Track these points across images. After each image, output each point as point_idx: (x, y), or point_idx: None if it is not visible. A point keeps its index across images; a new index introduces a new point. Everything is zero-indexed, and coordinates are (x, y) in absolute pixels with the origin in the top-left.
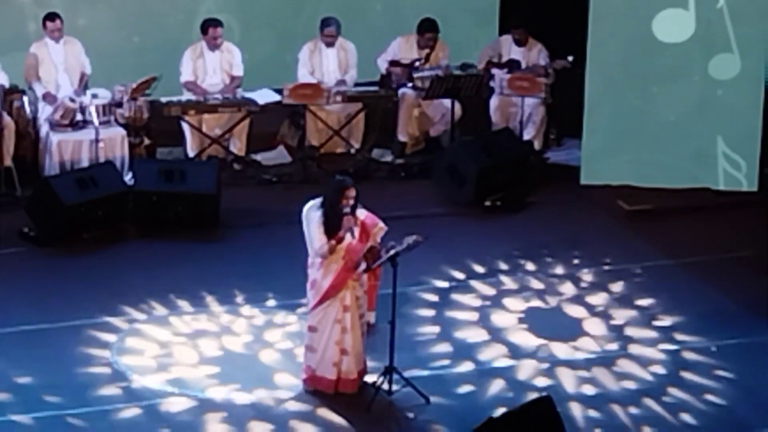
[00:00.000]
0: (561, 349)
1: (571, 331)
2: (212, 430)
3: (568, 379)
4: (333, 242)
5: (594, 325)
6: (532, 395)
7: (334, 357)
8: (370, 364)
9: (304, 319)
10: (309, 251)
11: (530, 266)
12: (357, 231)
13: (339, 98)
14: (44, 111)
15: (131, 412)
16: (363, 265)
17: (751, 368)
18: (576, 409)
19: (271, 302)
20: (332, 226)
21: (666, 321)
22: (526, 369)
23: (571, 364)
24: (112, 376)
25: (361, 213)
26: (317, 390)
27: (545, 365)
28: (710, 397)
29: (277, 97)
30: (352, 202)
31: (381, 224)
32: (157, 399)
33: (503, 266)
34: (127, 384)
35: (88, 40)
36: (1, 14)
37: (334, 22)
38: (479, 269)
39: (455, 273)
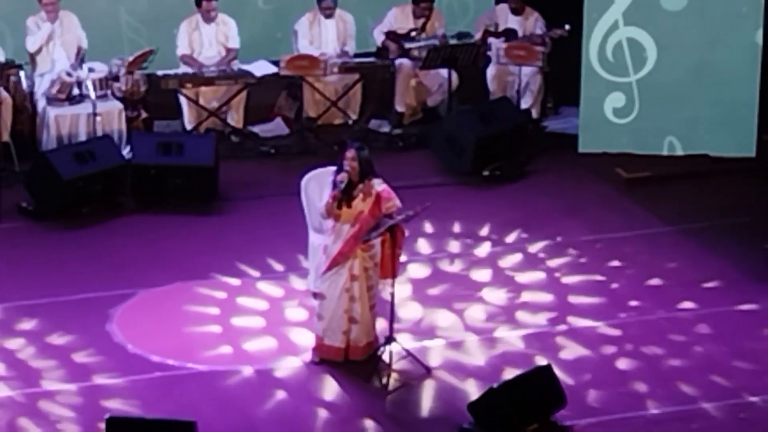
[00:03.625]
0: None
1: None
2: (215, 399)
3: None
4: (329, 201)
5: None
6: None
7: (343, 325)
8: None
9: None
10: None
11: (534, 236)
12: (370, 201)
13: (336, 69)
14: (41, 85)
15: (132, 384)
16: (374, 236)
17: (751, 333)
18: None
19: (270, 274)
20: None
21: (667, 287)
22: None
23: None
24: (111, 349)
25: (380, 185)
26: (325, 359)
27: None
28: (709, 362)
29: (273, 69)
30: (349, 163)
31: (396, 201)
32: (158, 372)
33: (503, 235)
34: (128, 356)
35: (83, 13)
36: None
37: None
38: (478, 238)
39: (453, 243)
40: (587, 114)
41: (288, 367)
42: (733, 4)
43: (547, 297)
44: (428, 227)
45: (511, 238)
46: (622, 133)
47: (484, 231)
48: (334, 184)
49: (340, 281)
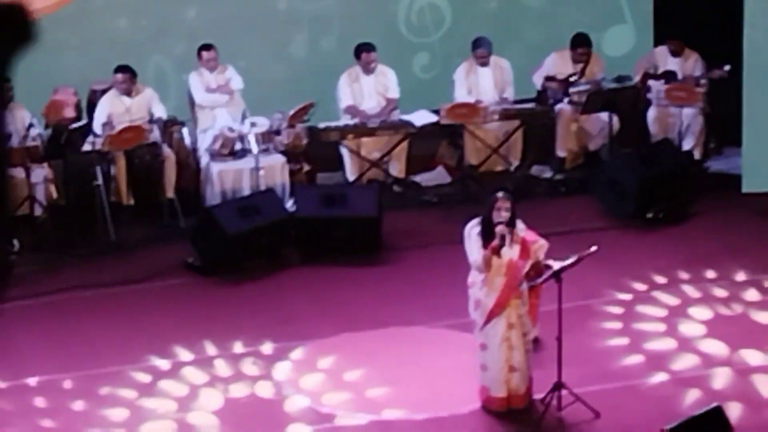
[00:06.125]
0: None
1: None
2: None
3: (764, 386)
4: (487, 253)
5: None
6: (731, 404)
7: (505, 375)
8: (538, 379)
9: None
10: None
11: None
12: (517, 247)
13: (496, 116)
14: (204, 141)
15: None
16: (525, 283)
17: None
18: None
19: (437, 322)
20: (487, 239)
21: None
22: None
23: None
24: (284, 401)
25: (522, 230)
26: (491, 409)
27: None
28: None
29: (434, 118)
30: (504, 213)
31: (542, 241)
32: (326, 423)
33: (676, 276)
34: (297, 407)
35: (244, 69)
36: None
37: (484, 43)
38: (647, 281)
39: (627, 285)
40: (750, 154)
41: (458, 417)
42: None
43: (711, 341)
44: (595, 271)
45: (677, 280)
46: None
47: (651, 274)
48: (502, 239)
49: (499, 331)
